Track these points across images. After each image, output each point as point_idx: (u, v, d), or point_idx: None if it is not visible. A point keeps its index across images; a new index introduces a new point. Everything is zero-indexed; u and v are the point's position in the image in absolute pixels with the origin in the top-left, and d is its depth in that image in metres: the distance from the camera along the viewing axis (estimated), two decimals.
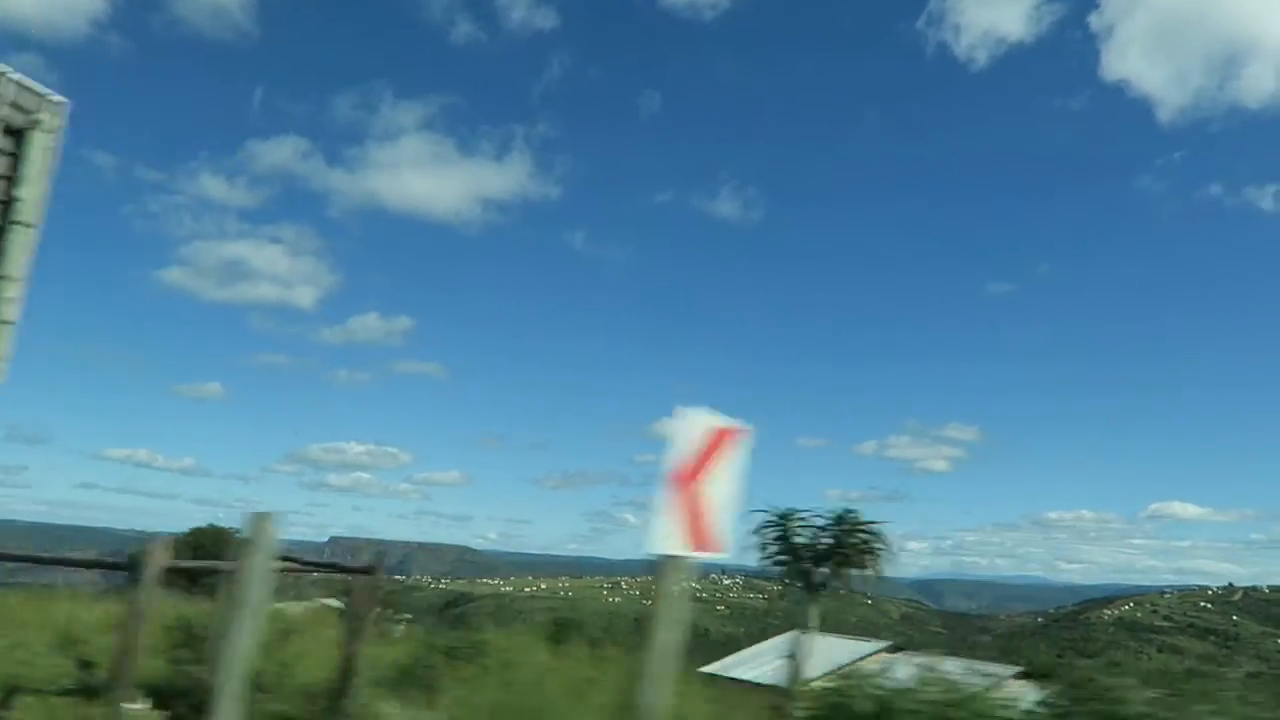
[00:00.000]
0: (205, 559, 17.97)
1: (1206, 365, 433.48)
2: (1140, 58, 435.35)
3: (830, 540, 13.84)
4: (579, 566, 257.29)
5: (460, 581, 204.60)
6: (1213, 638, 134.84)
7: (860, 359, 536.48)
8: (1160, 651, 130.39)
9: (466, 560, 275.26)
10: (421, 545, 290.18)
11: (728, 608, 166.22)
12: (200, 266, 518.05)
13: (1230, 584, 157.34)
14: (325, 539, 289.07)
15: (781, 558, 14.08)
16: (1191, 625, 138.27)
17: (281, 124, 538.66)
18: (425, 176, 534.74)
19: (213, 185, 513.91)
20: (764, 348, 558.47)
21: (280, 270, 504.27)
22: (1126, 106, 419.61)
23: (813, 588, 13.98)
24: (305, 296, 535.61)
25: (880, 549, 13.78)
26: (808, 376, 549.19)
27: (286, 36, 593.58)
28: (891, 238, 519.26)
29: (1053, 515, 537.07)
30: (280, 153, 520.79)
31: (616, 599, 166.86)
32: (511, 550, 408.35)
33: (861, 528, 13.79)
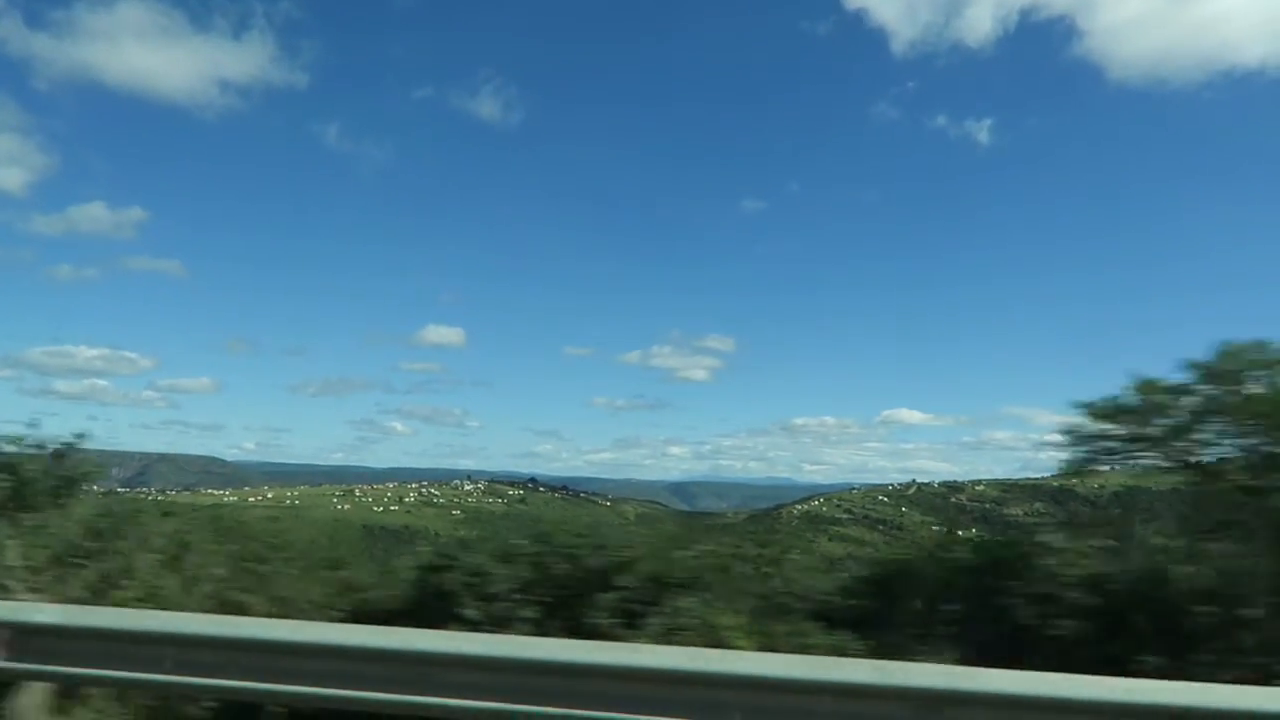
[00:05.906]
0: None
1: (928, 286, 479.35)
2: None
3: None
4: (341, 476, 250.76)
5: (205, 494, 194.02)
6: (882, 526, 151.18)
7: (625, 269, 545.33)
8: (830, 540, 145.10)
9: (214, 472, 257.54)
10: (163, 456, 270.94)
11: (464, 512, 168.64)
12: None
13: (914, 480, 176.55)
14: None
15: None
16: (866, 517, 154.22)
17: None
18: (150, 50, 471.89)
19: None
20: (527, 255, 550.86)
21: None
22: (865, 35, 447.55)
23: None
24: (12, 179, 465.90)
25: None
26: (572, 285, 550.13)
27: None
28: (653, 152, 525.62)
29: (799, 421, 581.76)
30: None
31: (346, 507, 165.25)
32: (270, 461, 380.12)
33: None
